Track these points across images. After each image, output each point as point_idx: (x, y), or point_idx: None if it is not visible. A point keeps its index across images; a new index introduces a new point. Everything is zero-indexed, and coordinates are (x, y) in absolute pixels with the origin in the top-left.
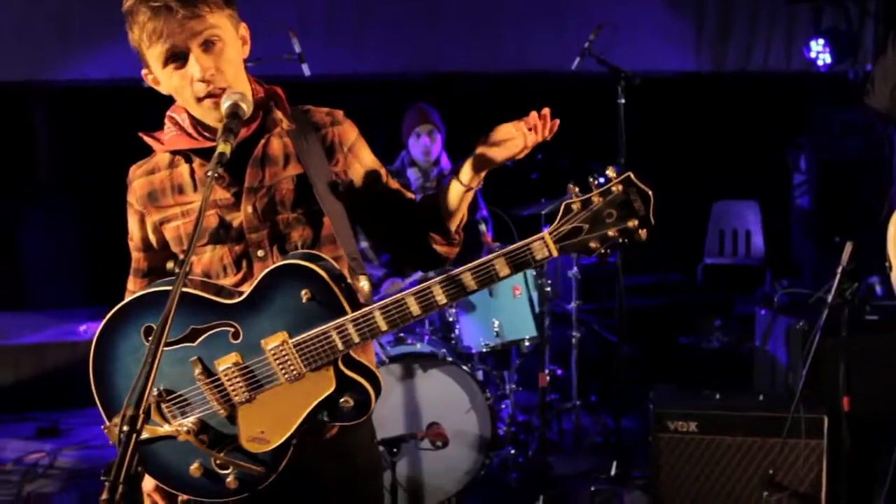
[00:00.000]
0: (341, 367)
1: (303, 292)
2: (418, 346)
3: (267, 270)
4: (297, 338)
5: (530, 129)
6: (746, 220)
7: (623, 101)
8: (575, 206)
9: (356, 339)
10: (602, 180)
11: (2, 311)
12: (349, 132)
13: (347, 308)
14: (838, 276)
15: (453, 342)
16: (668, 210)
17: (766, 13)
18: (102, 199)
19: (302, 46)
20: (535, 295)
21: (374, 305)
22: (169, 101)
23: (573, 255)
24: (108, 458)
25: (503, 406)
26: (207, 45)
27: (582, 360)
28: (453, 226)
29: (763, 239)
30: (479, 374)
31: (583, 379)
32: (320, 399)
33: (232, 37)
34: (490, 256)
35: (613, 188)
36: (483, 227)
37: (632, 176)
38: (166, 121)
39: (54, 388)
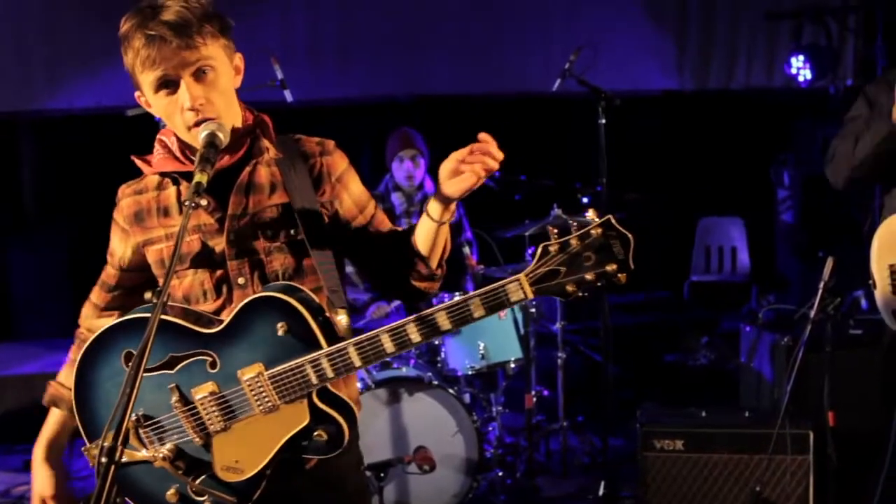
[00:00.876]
0: (315, 400)
1: (279, 325)
2: (404, 370)
3: (245, 301)
4: (273, 370)
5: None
6: (732, 237)
7: (603, 121)
8: (552, 249)
9: (330, 374)
10: (575, 222)
11: None
12: (338, 162)
13: (323, 342)
14: (820, 292)
15: (439, 365)
16: (653, 228)
17: (746, 30)
18: (90, 228)
19: (285, 72)
20: (519, 316)
21: (349, 341)
22: (155, 127)
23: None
24: (93, 489)
25: (490, 428)
26: (199, 75)
27: (568, 380)
28: (433, 261)
29: (749, 255)
30: (466, 397)
31: (569, 399)
32: (294, 432)
33: (225, 67)
34: (464, 297)
35: (592, 231)
36: (467, 250)
37: (612, 219)
38: (156, 144)
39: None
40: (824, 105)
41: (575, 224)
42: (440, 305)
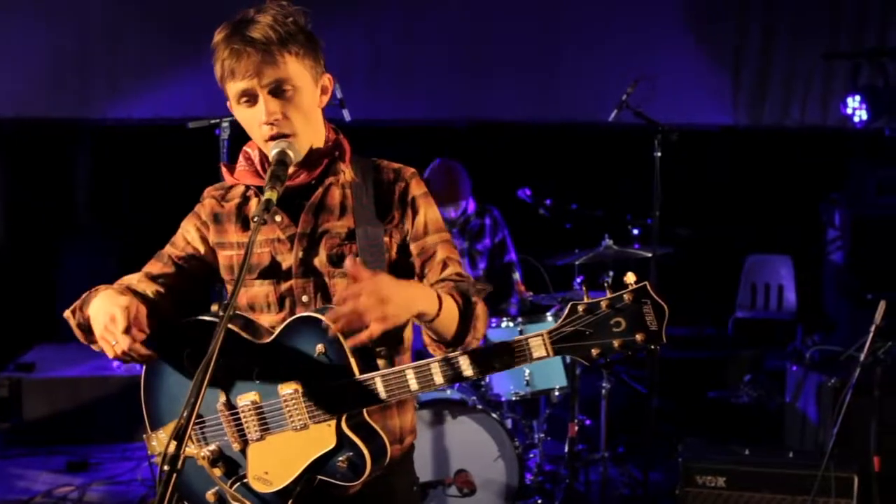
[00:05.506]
0: (343, 425)
1: (318, 346)
2: (448, 393)
3: (291, 319)
4: (307, 389)
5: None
6: (779, 275)
7: (659, 154)
8: (580, 309)
9: (356, 402)
10: (609, 280)
11: (38, 344)
12: (413, 189)
13: (355, 369)
14: (871, 335)
15: (483, 389)
16: (701, 263)
17: (803, 69)
18: (141, 236)
19: (344, 92)
20: None
21: (378, 372)
22: (214, 140)
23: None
24: (136, 493)
25: (531, 455)
26: (277, 92)
27: (611, 411)
28: (447, 340)
29: (795, 294)
30: (508, 423)
31: (611, 430)
32: (320, 454)
33: (308, 85)
34: (489, 345)
35: (625, 296)
36: (517, 276)
37: (647, 287)
38: (241, 155)
39: (85, 422)
40: (879, 146)
41: (608, 285)
42: (465, 351)
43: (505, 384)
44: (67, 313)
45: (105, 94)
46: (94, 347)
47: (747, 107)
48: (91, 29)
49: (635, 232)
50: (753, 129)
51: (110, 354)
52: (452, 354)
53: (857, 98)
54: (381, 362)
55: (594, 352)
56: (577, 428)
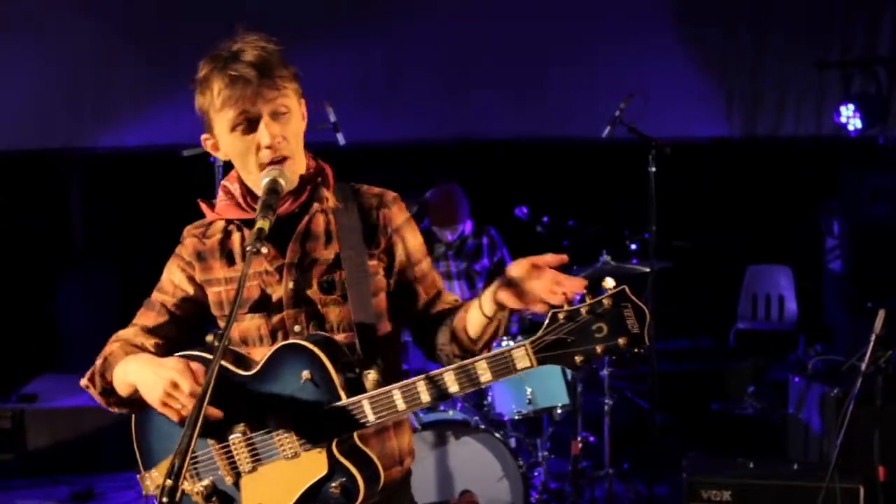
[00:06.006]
0: (335, 451)
1: (304, 373)
2: (451, 413)
3: (275, 347)
4: (295, 417)
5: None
6: (779, 285)
7: (654, 169)
8: (561, 316)
9: (344, 426)
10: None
11: (39, 374)
12: (397, 214)
13: (342, 394)
14: (871, 344)
15: (486, 409)
16: (700, 275)
17: (796, 79)
18: (138, 264)
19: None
20: None
21: (364, 395)
22: (208, 167)
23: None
24: None
25: (535, 474)
26: (277, 115)
27: (614, 427)
28: (480, 344)
29: (796, 303)
30: (512, 442)
31: (615, 446)
32: (313, 481)
33: (297, 110)
34: (473, 359)
35: (604, 301)
36: None
37: (626, 290)
38: (220, 190)
39: (89, 451)
40: (873, 154)
41: (589, 293)
42: (449, 367)
43: (507, 403)
44: (85, 382)
45: (95, 122)
46: (112, 410)
47: (741, 118)
48: (79, 57)
49: (633, 247)
50: (748, 139)
51: (175, 419)
52: (435, 372)
53: (851, 107)
54: (373, 375)
55: (578, 359)
56: (580, 445)
